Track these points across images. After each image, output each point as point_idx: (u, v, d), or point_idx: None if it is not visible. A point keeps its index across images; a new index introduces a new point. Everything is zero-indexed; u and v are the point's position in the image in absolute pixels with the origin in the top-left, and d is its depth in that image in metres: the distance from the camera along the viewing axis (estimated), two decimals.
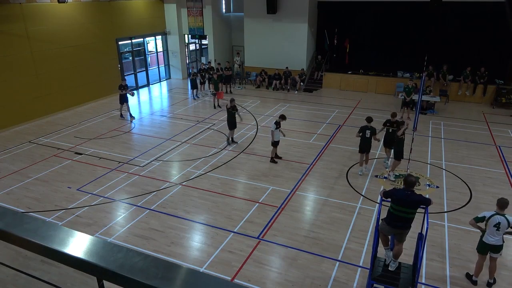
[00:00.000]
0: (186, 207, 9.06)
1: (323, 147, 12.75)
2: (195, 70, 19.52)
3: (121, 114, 15.82)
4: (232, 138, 12.90)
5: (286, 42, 21.16)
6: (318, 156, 12.01)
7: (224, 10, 23.58)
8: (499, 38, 17.68)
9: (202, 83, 19.92)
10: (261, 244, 7.70)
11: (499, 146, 12.90)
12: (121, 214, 8.80)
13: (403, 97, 16.51)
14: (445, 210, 8.96)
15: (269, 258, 7.33)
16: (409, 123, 11.29)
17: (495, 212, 6.19)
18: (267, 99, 19.17)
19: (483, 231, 6.34)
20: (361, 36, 20.66)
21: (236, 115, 12.65)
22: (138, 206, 9.10)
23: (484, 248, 6.38)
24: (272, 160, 11.48)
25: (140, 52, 21.85)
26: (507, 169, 11.12)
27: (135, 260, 1.41)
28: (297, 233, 8.06)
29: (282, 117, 11.34)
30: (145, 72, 21.79)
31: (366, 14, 20.31)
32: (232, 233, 8.03)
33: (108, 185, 10.10)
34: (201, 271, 6.84)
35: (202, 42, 24.47)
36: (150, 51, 22.69)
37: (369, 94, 20.03)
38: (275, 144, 11.41)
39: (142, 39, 21.52)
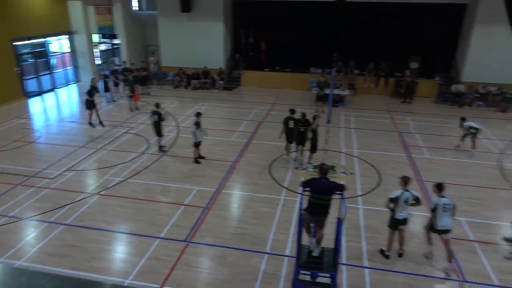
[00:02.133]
0: (106, 218, 8.54)
1: (246, 144, 12.97)
2: (106, 72, 18.42)
3: (90, 122, 13.89)
4: (160, 145, 12.28)
5: (203, 41, 21.03)
6: (241, 153, 12.19)
7: (135, 8, 22.60)
8: (398, 36, 19.64)
9: (116, 85, 18.87)
10: (190, 246, 7.60)
11: (400, 132, 14.37)
12: (31, 233, 7.99)
13: (317, 91, 17.49)
14: (359, 194, 9.75)
15: (198, 260, 7.27)
16: (323, 116, 12.05)
17: (402, 190, 6.99)
18: (186, 99, 18.88)
19: (393, 210, 7.04)
20: (276, 34, 21.33)
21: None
22: (51, 222, 8.34)
23: (395, 224, 7.12)
24: (195, 161, 11.37)
25: (42, 54, 19.90)
26: (408, 152, 12.45)
27: (41, 282, 1.31)
28: (225, 231, 8.11)
29: (198, 114, 11.21)
30: (49, 75, 19.96)
31: (279, 13, 21.03)
32: (158, 239, 7.79)
33: (12, 202, 9.08)
34: (126, 283, 6.54)
35: (114, 42, 23.17)
36: (54, 52, 20.80)
37: (286, 90, 20.83)
38: (196, 144, 11.32)
39: (43, 39, 19.60)
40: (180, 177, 10.51)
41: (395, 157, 12.11)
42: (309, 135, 10.92)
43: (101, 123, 13.90)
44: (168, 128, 14.18)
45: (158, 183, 10.18)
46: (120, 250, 7.62)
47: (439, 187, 6.97)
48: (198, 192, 9.69)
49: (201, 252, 7.49)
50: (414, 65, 19.72)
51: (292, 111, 11.27)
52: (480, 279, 6.81)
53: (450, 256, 7.00)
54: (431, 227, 7.07)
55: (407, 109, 17.74)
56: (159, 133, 12.10)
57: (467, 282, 6.74)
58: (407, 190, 7.00)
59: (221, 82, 20.92)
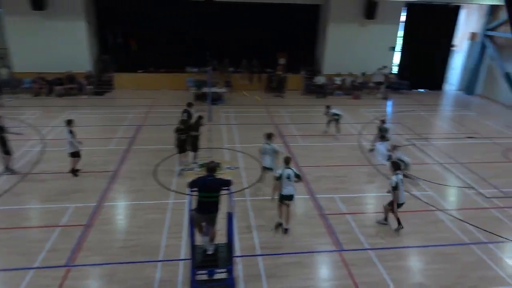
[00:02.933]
0: None
1: (125, 151, 12.25)
2: None
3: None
4: (8, 166, 10.52)
5: (63, 43, 18.97)
6: (122, 161, 11.48)
7: None
8: (265, 33, 20.85)
9: None
10: (72, 271, 6.85)
11: (276, 124, 15.41)
12: None
13: (195, 91, 17.53)
14: (245, 186, 10.15)
15: (84, 284, 6.62)
16: (204, 115, 12.13)
17: (284, 168, 7.87)
18: (50, 108, 16.86)
19: (280, 189, 7.92)
20: (146, 33, 20.50)
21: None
22: None
23: (281, 197, 8.00)
24: (74, 173, 10.33)
25: None
26: (285, 142, 13.44)
27: None
28: (112, 247, 7.55)
29: (69, 122, 10.26)
30: None
31: (147, 11, 20.23)
32: (32, 270, 6.83)
33: None
34: None
35: None
36: None
37: (163, 91, 20.31)
38: (74, 154, 10.29)
39: None
40: (53, 196, 9.37)
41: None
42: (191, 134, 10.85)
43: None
44: (30, 142, 12.49)
45: (25, 207, 8.90)
46: None
47: (285, 161, 8.00)
48: (75, 210, 8.78)
49: (87, 274, 6.84)
50: (282, 61, 21.29)
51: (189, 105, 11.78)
52: (356, 246, 7.80)
53: (290, 218, 8.15)
54: (279, 196, 7.97)
55: (280, 102, 19.10)
56: (6, 150, 10.33)
57: (344, 250, 7.64)
58: (288, 168, 7.87)
59: (90, 86, 19.23)
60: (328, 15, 20.45)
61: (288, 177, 7.83)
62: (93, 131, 13.93)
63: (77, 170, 10.52)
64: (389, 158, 10.81)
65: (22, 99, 18.04)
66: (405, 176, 9.55)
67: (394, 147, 10.96)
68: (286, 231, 8.10)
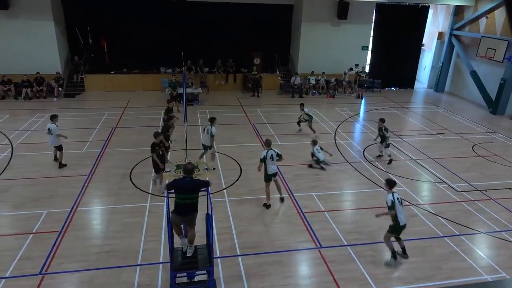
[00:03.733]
0: None
1: (99, 154, 11.96)
2: None
3: None
4: None
5: (30, 43, 18.31)
6: (96, 164, 11.19)
7: None
8: (240, 33, 20.84)
9: None
10: (46, 278, 6.63)
11: (253, 124, 15.43)
12: None
13: (169, 91, 17.29)
14: (224, 187, 10.11)
15: None
16: (180, 116, 12.01)
17: (267, 149, 8.89)
18: (18, 111, 16.23)
19: (265, 170, 8.89)
20: (118, 34, 20.08)
21: None
22: None
23: (268, 178, 9.04)
24: (62, 165, 11.00)
25: None
26: (262, 142, 13.46)
27: None
28: (87, 253, 7.35)
29: (54, 116, 11.09)
30: None
31: (118, 11, 19.81)
32: (4, 279, 6.55)
33: None
34: None
35: None
36: None
37: (137, 92, 19.96)
38: (60, 148, 11.02)
39: None
40: (24, 202, 9.02)
41: (252, 147, 12.96)
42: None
43: None
44: None
45: None
46: None
47: (267, 143, 9.05)
48: (48, 216, 8.50)
49: (62, 282, 6.62)
50: (256, 60, 21.33)
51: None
52: (334, 243, 7.92)
53: (280, 188, 9.42)
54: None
55: (256, 102, 19.14)
56: None
57: (323, 247, 7.74)
58: (270, 149, 8.89)
59: (61, 89, 18.64)
60: (301, 15, 20.66)
61: (271, 158, 8.86)
62: (65, 134, 13.49)
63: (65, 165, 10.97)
64: (313, 156, 11.55)
65: None
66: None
67: (314, 142, 11.52)
68: (282, 200, 9.46)
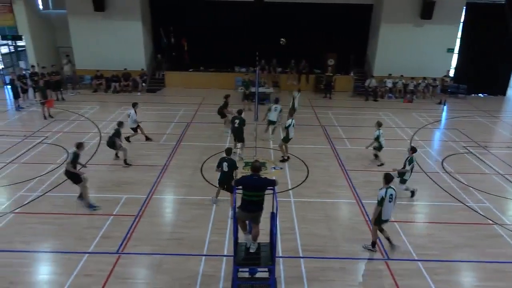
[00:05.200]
0: (24, 238, 7.74)
1: (175, 147, 12.68)
2: (12, 77, 16.67)
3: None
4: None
5: (121, 42, 20.03)
6: (171, 156, 11.89)
7: (41, 7, 20.71)
8: (315, 34, 20.64)
9: (25, 91, 17.16)
10: (122, 258, 7.22)
11: (323, 126, 15.18)
12: None
13: (242, 90, 17.72)
14: (290, 187, 10.10)
15: (132, 271, 6.94)
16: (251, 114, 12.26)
17: (385, 187, 7.18)
18: (107, 103, 17.86)
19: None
20: (197, 34, 21.09)
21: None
22: None
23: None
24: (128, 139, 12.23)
25: None
26: (331, 144, 13.20)
27: None
28: (159, 238, 7.85)
29: (134, 104, 12.65)
30: None
31: (199, 12, 20.81)
32: (87, 254, 7.28)
33: None
34: None
35: (18, 44, 21.01)
36: None
37: (212, 90, 20.76)
38: (135, 129, 12.45)
39: None
40: (107, 186, 9.93)
41: (321, 149, 12.76)
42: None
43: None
44: (88, 135, 13.32)
45: None
46: (43, 271, 6.96)
47: (387, 178, 7.24)
48: (127, 200, 9.24)
49: (136, 263, 7.16)
50: (330, 61, 20.93)
51: (240, 112, 11.85)
52: (403, 256, 7.48)
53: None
54: (378, 220, 7.30)
55: (327, 103, 18.80)
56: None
57: (391, 259, 7.36)
58: (389, 187, 7.24)
59: (144, 84, 20.14)
60: (381, 15, 19.80)
61: (391, 198, 7.27)
62: (146, 126, 14.53)
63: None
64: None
65: (82, 95, 19.27)
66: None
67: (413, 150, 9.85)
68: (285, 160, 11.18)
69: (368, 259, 7.40)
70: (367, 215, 8.82)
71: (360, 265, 7.27)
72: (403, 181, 9.58)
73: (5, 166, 10.93)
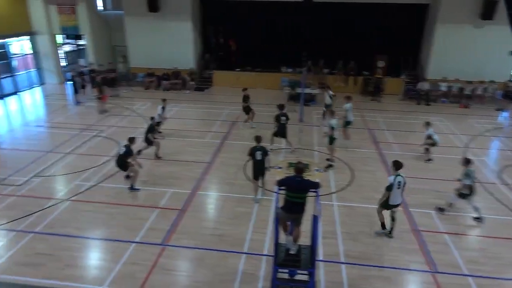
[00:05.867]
0: (78, 224, 8.27)
1: (219, 145, 12.92)
2: (73, 74, 17.87)
3: None
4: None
5: (172, 41, 20.72)
6: (216, 154, 12.13)
7: (100, 7, 21.97)
8: (365, 34, 20.12)
9: (84, 86, 18.31)
10: (167, 250, 7.49)
11: (370, 129, 14.75)
12: None
13: (288, 91, 17.67)
14: (333, 191, 9.93)
15: (175, 263, 7.18)
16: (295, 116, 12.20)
17: (394, 175, 7.60)
18: (157, 100, 18.49)
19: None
20: (245, 34, 21.30)
21: None
22: (20, 230, 7.99)
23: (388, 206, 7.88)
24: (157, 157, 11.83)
25: (2, 55, 18.97)
26: (378, 149, 12.80)
27: None
28: (202, 233, 8.04)
29: (163, 100, 13.50)
30: (11, 78, 19.10)
31: (247, 13, 21.02)
32: (134, 244, 7.62)
33: None
34: None
35: (79, 43, 22.45)
36: (15, 54, 19.90)
37: (258, 90, 20.82)
38: (158, 124, 12.69)
39: (2, 41, 18.70)
40: (154, 180, 10.33)
41: (367, 153, 12.42)
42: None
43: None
44: (138, 130, 13.92)
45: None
46: (94, 256, 7.40)
47: (396, 165, 7.62)
48: (172, 194, 9.56)
49: (178, 255, 7.40)
50: (380, 63, 20.26)
51: (282, 106, 12.28)
52: (453, 270, 7.10)
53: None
54: (385, 204, 7.73)
55: (376, 106, 18.23)
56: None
57: (439, 273, 7.01)
58: (399, 174, 7.58)
59: (192, 82, 20.71)
60: (437, 15, 18.86)
61: (399, 185, 7.63)
62: (193, 123, 14.99)
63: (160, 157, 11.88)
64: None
65: (135, 91, 20.19)
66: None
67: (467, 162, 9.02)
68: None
69: (414, 270, 7.09)
70: (415, 224, 8.46)
71: (406, 276, 6.99)
72: (461, 196, 8.69)
73: (64, 156, 11.73)
